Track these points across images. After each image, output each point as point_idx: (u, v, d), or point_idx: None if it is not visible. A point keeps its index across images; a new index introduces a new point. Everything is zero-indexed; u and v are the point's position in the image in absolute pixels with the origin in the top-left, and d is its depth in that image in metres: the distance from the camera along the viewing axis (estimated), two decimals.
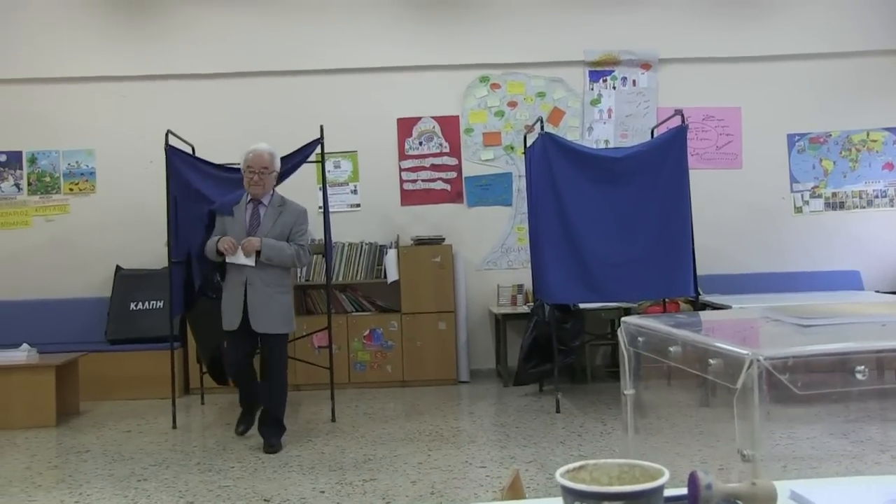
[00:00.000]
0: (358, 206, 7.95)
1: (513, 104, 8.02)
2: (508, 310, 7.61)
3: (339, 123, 7.48)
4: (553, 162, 6.11)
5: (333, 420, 6.04)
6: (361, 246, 7.69)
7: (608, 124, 8.05)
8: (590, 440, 5.26)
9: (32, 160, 7.90)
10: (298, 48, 7.85)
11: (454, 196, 7.98)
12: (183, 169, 6.13)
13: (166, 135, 6.18)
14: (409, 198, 7.97)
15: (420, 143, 7.98)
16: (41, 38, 7.83)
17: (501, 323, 7.55)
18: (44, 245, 7.84)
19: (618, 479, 1.16)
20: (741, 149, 8.09)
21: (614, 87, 8.05)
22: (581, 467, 1.17)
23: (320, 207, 6.65)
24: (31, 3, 7.84)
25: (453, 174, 7.98)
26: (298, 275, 7.40)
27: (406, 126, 7.98)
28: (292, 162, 6.03)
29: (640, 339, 2.41)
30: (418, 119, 7.98)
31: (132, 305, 7.43)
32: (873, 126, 8.14)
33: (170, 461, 5.05)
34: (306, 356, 6.91)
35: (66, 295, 7.72)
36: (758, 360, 1.72)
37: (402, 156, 7.97)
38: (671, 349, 2.16)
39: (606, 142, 8.00)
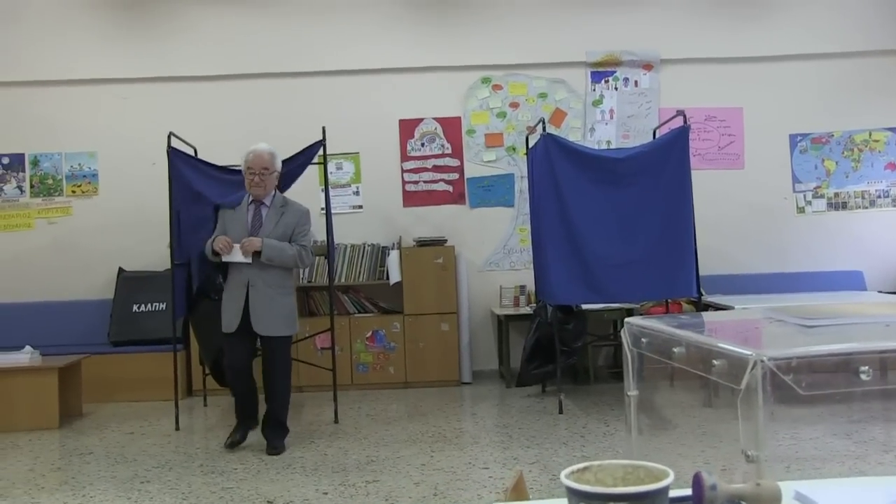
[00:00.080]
0: (360, 207, 7.95)
1: (514, 105, 8.02)
2: (511, 311, 7.60)
3: (341, 125, 7.49)
4: (555, 163, 6.11)
5: (336, 421, 6.04)
6: (364, 247, 7.69)
7: (610, 125, 8.05)
8: (593, 441, 5.25)
9: (35, 162, 7.91)
10: (300, 50, 7.86)
11: (456, 197, 7.98)
12: (185, 171, 6.12)
13: (168, 137, 6.18)
14: (411, 199, 7.97)
15: (422, 145, 7.98)
16: (43, 41, 7.84)
17: (504, 324, 7.55)
18: (46, 247, 7.85)
19: (622, 481, 1.16)
20: (743, 149, 8.09)
21: (616, 88, 8.05)
22: (586, 468, 1.17)
23: (322, 209, 6.65)
24: (33, 6, 7.85)
25: (455, 175, 7.98)
26: (301, 276, 7.40)
27: (408, 127, 7.98)
28: (295, 164, 6.04)
29: (643, 340, 2.41)
30: (420, 120, 7.98)
31: (135, 307, 7.43)
32: (875, 126, 8.13)
33: (173, 463, 5.05)
34: (309, 358, 6.91)
35: (69, 297, 7.72)
36: (762, 361, 1.72)
37: (404, 157, 7.98)
38: (675, 350, 2.16)
39: (608, 142, 8.00)
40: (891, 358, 1.90)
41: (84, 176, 7.93)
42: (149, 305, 7.42)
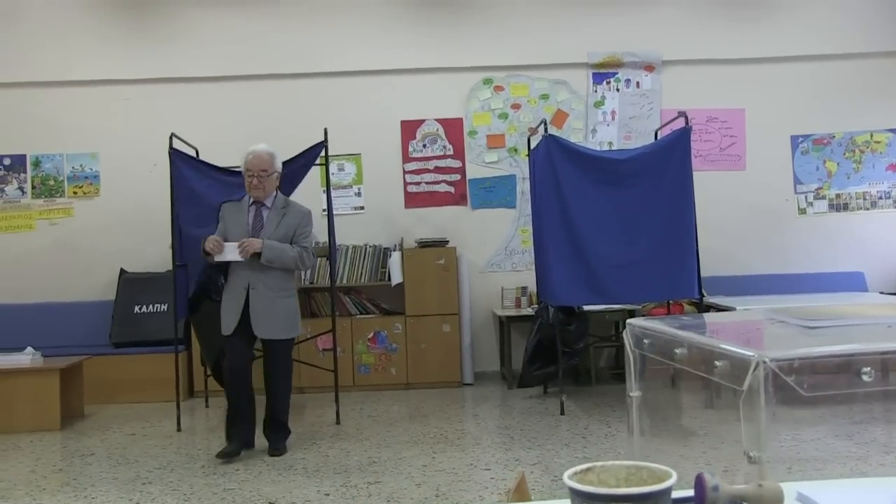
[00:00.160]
0: (362, 208, 7.96)
1: (516, 106, 8.03)
2: (512, 312, 7.60)
3: (343, 126, 7.49)
4: (557, 164, 6.11)
5: (338, 423, 6.04)
6: (365, 248, 7.69)
7: (612, 126, 8.05)
8: (594, 442, 5.25)
9: (36, 163, 7.92)
10: (302, 51, 7.86)
11: (458, 198, 7.98)
12: (187, 172, 6.11)
13: (170, 138, 6.18)
14: (412, 200, 7.97)
15: (424, 146, 7.98)
16: (45, 42, 7.84)
17: (505, 325, 7.55)
18: (48, 248, 7.85)
19: (625, 481, 1.16)
20: (745, 150, 8.09)
21: (618, 89, 8.05)
22: (588, 469, 1.17)
23: (324, 210, 6.65)
24: (34, 7, 7.86)
25: (457, 176, 7.98)
26: (303, 277, 7.39)
27: (410, 128, 7.98)
28: (297, 165, 6.03)
29: (645, 341, 2.41)
30: (422, 121, 7.98)
31: (136, 308, 7.44)
32: (877, 127, 8.13)
33: (174, 464, 5.05)
34: (310, 359, 6.91)
35: (71, 298, 7.73)
36: (764, 362, 1.72)
37: (406, 158, 7.98)
38: (677, 351, 2.16)
39: (610, 144, 8.00)
40: (892, 359, 1.90)
41: (86, 177, 7.93)
42: (150, 307, 7.42)
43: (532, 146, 6.94)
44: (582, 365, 7.34)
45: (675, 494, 1.13)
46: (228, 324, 5.05)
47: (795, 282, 7.76)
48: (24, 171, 7.92)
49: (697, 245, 6.22)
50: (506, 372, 7.55)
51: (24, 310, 7.64)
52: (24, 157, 7.92)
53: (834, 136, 8.13)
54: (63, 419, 6.19)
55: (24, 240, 7.87)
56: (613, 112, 8.05)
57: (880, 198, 8.13)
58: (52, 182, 7.91)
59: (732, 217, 7.93)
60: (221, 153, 6.71)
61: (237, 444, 5.05)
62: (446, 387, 7.38)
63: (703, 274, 6.34)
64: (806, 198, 8.12)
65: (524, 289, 7.77)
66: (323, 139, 6.14)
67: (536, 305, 7.20)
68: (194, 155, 6.76)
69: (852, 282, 7.86)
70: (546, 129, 6.29)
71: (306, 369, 6.78)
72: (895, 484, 1.47)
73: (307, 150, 6.12)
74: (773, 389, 1.71)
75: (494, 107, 8.02)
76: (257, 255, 4.98)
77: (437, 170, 7.97)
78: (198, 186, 6.05)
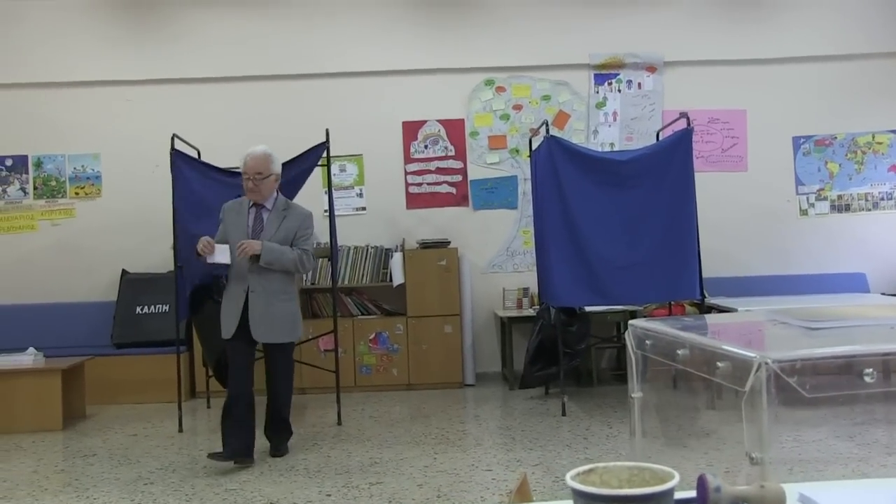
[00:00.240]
0: (363, 209, 7.96)
1: (518, 107, 8.03)
2: (514, 313, 7.60)
3: (345, 127, 7.49)
4: (558, 165, 6.11)
5: (339, 423, 6.04)
6: (367, 249, 7.69)
7: (613, 127, 8.05)
8: (596, 443, 5.25)
9: (38, 164, 7.93)
10: (304, 52, 7.87)
11: (459, 199, 7.98)
12: (188, 173, 6.11)
13: (172, 139, 6.18)
14: (414, 201, 7.97)
15: (425, 147, 7.99)
16: (47, 43, 7.85)
17: (507, 326, 7.54)
18: (50, 249, 7.86)
19: (628, 482, 1.16)
20: (746, 151, 8.08)
21: (619, 90, 8.05)
22: (591, 470, 1.17)
23: (326, 211, 6.65)
24: (36, 8, 7.87)
25: (459, 177, 7.99)
26: (304, 279, 7.38)
27: (411, 129, 7.99)
28: (300, 168, 6.03)
29: (647, 342, 2.41)
30: (423, 122, 7.99)
31: (138, 309, 7.44)
32: (879, 128, 8.13)
33: (176, 465, 5.06)
34: (312, 360, 6.92)
35: (72, 299, 7.74)
36: (766, 363, 1.72)
37: (408, 159, 7.98)
38: (679, 352, 2.16)
39: (612, 145, 8.00)
40: (894, 360, 1.90)
41: (87, 178, 7.94)
42: (152, 307, 7.43)
43: (534, 147, 6.94)
44: (583, 366, 7.34)
45: (678, 495, 1.13)
46: (228, 327, 4.97)
47: (797, 283, 7.76)
48: (26, 172, 7.93)
49: (699, 246, 6.22)
50: (507, 373, 7.55)
51: (26, 310, 7.65)
52: (25, 157, 7.93)
53: (836, 137, 8.12)
54: (65, 420, 6.20)
55: (25, 240, 7.87)
56: (615, 113, 8.06)
57: (882, 199, 8.12)
58: (53, 183, 7.92)
59: (734, 218, 7.93)
60: (223, 154, 6.70)
61: (229, 452, 4.84)
62: (448, 388, 7.38)
63: (704, 275, 6.33)
64: (808, 199, 8.12)
65: (526, 290, 7.77)
66: (325, 140, 6.15)
67: (538, 306, 7.19)
68: (196, 156, 6.76)
69: (854, 283, 7.86)
70: (548, 130, 6.29)
71: (308, 370, 6.78)
72: None
73: (309, 150, 6.12)
74: (774, 390, 1.70)
75: (496, 108, 8.02)
76: (256, 257, 4.90)
77: (439, 171, 7.98)
78: (199, 187, 6.05)
